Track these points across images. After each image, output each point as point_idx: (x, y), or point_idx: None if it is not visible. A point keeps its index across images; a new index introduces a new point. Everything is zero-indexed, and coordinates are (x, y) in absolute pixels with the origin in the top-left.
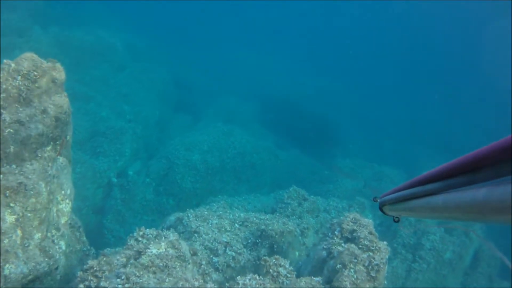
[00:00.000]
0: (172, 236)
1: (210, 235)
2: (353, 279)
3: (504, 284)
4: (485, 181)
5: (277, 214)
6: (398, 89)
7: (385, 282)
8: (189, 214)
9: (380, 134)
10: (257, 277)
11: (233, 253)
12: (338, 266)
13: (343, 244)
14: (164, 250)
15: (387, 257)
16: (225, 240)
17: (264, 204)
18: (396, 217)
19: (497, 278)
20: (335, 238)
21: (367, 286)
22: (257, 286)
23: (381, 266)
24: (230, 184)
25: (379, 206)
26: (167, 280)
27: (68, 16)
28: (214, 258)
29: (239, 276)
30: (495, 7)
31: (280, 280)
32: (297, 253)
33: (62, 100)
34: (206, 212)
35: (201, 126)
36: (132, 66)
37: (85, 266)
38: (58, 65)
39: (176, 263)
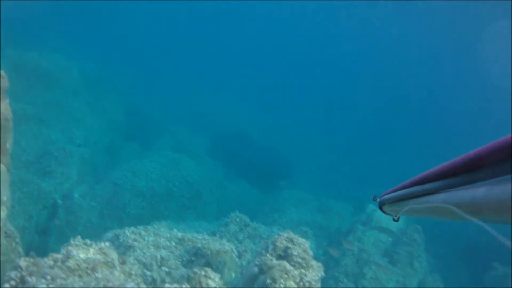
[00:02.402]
0: (103, 244)
1: (145, 251)
2: None
3: None
4: (485, 180)
5: (217, 236)
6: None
7: None
8: (126, 231)
9: (329, 172)
10: (184, 286)
11: (167, 269)
12: (268, 281)
13: (275, 260)
14: (92, 255)
15: (320, 275)
16: (160, 256)
17: (206, 229)
18: (396, 216)
19: None
20: (267, 255)
21: None
22: None
23: (313, 283)
24: (176, 212)
25: (379, 205)
26: (92, 283)
27: (25, 39)
28: (147, 272)
29: (167, 284)
30: (495, 7)
31: None
32: (233, 275)
33: (3, 106)
34: (143, 231)
35: (150, 155)
36: (85, 92)
37: (12, 265)
38: (2, 72)
39: (103, 268)
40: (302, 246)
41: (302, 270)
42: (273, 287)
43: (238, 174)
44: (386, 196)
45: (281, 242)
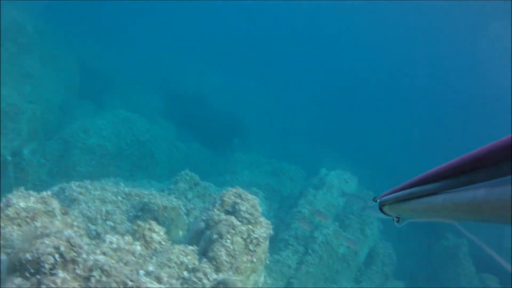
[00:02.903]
0: (45, 193)
1: (90, 204)
2: (229, 249)
3: (398, 284)
4: (485, 181)
5: (165, 193)
6: (314, 95)
7: (267, 262)
8: (72, 184)
9: (283, 135)
10: (127, 238)
11: (112, 223)
12: (214, 236)
13: (222, 215)
14: (32, 204)
15: (268, 232)
16: (105, 210)
17: (155, 187)
18: (396, 216)
19: (392, 277)
20: (215, 210)
21: (245, 259)
22: (124, 245)
23: (261, 240)
24: (127, 171)
25: (379, 206)
26: (31, 232)
27: None
28: (91, 226)
29: (108, 235)
30: (495, 7)
31: (153, 246)
32: (180, 233)
33: None
34: (89, 185)
35: (103, 113)
36: (39, 49)
37: None
38: None
39: (43, 217)
40: (251, 202)
41: (250, 226)
42: (220, 243)
43: (192, 135)
44: (386, 197)
45: (229, 197)
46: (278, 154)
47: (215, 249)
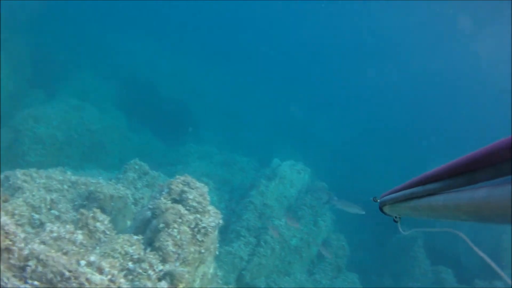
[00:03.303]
0: None
1: (34, 193)
2: (176, 239)
3: (351, 276)
4: (485, 181)
5: (113, 182)
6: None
7: (217, 253)
8: (17, 172)
9: (236, 126)
10: (68, 226)
11: (56, 212)
12: (161, 225)
13: (169, 204)
14: None
15: (217, 222)
16: (50, 199)
17: (104, 177)
18: (396, 217)
19: (345, 269)
20: (162, 199)
21: (192, 249)
22: (65, 234)
23: (209, 230)
24: (77, 161)
25: (379, 206)
26: None
27: None
28: (35, 215)
29: (49, 223)
30: (495, 7)
31: (97, 236)
32: (128, 223)
33: None
34: (34, 173)
35: (54, 101)
36: None
37: None
38: None
39: None
40: (199, 190)
41: (198, 215)
42: (166, 232)
43: (144, 125)
44: (386, 197)
45: (177, 186)
46: (230, 145)
47: (161, 239)
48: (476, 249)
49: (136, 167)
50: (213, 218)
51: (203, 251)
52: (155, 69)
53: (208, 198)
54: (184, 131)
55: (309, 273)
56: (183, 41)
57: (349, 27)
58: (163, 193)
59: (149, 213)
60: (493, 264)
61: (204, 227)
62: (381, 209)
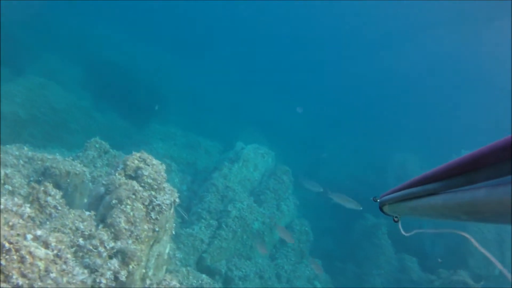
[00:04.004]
0: None
1: None
2: (129, 216)
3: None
4: (485, 181)
5: (71, 158)
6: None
7: (173, 233)
8: None
9: (201, 109)
10: (16, 199)
11: (10, 187)
12: (114, 201)
13: (123, 180)
14: None
15: (172, 200)
16: (3, 174)
17: (64, 155)
18: (396, 216)
19: (309, 255)
20: (116, 175)
21: (146, 227)
22: (12, 207)
23: (164, 207)
24: (40, 140)
25: (379, 206)
26: None
27: None
28: None
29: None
30: (495, 7)
31: (48, 211)
32: (85, 200)
33: None
34: None
35: (19, 79)
36: None
37: None
38: None
39: None
40: (155, 167)
41: (153, 192)
42: (119, 208)
43: (109, 105)
44: (386, 197)
45: (133, 162)
46: (195, 127)
47: (113, 216)
48: (482, 250)
49: (97, 145)
50: (168, 195)
51: (157, 229)
52: (123, 52)
53: (164, 175)
54: (149, 113)
55: (272, 258)
56: (151, 26)
57: (320, 15)
58: (118, 169)
59: (102, 189)
60: (498, 264)
61: (158, 205)
62: (381, 209)
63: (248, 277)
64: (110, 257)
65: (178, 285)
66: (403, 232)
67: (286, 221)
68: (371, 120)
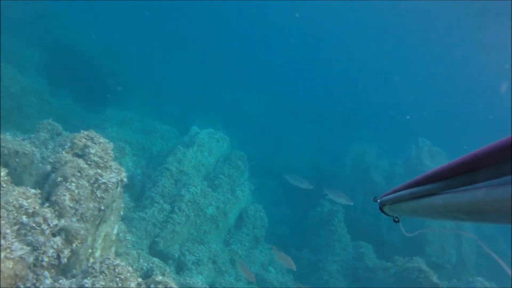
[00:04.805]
0: None
1: None
2: (74, 193)
3: (269, 248)
4: (485, 181)
5: (20, 138)
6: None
7: (122, 213)
8: None
9: (161, 95)
10: None
11: None
12: (59, 179)
13: (69, 158)
14: None
15: (119, 178)
16: None
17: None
18: (396, 217)
19: (264, 241)
20: (63, 153)
21: (91, 205)
22: None
23: (110, 186)
24: None
25: (379, 206)
26: None
27: None
28: None
29: None
30: (495, 7)
31: None
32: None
33: None
34: None
35: None
36: None
37: None
38: None
39: None
40: (103, 145)
41: (99, 171)
42: (64, 186)
43: (66, 90)
44: (386, 197)
45: (80, 140)
46: (153, 112)
47: (58, 193)
48: (488, 250)
49: (49, 127)
50: (115, 174)
51: (103, 208)
52: (82, 36)
53: (111, 154)
54: (106, 98)
55: (226, 244)
56: (110, 10)
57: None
58: (66, 147)
59: (49, 167)
60: (503, 264)
61: (104, 183)
62: (381, 209)
63: (202, 262)
64: (54, 235)
65: (122, 263)
66: (405, 233)
67: (240, 207)
68: (331, 109)
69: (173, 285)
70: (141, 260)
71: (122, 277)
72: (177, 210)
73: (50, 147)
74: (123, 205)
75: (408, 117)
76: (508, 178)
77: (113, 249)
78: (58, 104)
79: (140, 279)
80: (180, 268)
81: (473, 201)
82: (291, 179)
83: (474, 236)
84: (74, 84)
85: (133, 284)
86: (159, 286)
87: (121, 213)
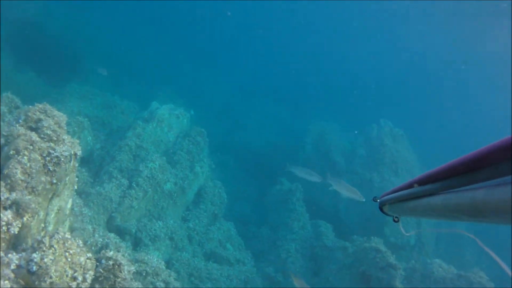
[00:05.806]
0: None
1: None
2: (25, 167)
3: (227, 225)
4: (485, 181)
5: None
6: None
7: (75, 187)
8: None
9: (123, 70)
10: None
11: None
12: (11, 152)
13: (22, 131)
14: None
15: (72, 152)
16: None
17: None
18: (396, 217)
19: (222, 218)
20: (17, 126)
21: (43, 179)
22: None
23: (62, 159)
24: None
25: (379, 206)
26: None
27: None
28: None
29: None
30: (495, 7)
31: None
32: None
33: None
34: None
35: None
36: None
37: None
38: None
39: None
40: (56, 119)
41: (51, 144)
42: (16, 159)
43: (28, 65)
44: (386, 197)
45: (34, 113)
46: (114, 87)
47: (10, 166)
48: (489, 251)
49: (7, 100)
50: (67, 147)
51: (55, 181)
52: (45, 11)
53: (65, 128)
54: (69, 73)
55: (183, 220)
56: None
57: None
58: (20, 120)
59: (2, 140)
60: (503, 264)
61: (56, 156)
62: (381, 209)
63: (159, 238)
64: (5, 208)
65: (71, 238)
66: (404, 232)
67: (199, 183)
68: (294, 90)
69: (123, 261)
70: (96, 235)
71: (71, 251)
72: (134, 185)
73: (6, 120)
74: (77, 179)
75: (355, 91)
76: (508, 178)
77: (67, 224)
78: (20, 78)
79: (89, 254)
80: (137, 244)
81: (473, 201)
82: (298, 172)
83: (474, 237)
84: (37, 59)
85: (82, 259)
86: (109, 262)
87: (75, 187)
